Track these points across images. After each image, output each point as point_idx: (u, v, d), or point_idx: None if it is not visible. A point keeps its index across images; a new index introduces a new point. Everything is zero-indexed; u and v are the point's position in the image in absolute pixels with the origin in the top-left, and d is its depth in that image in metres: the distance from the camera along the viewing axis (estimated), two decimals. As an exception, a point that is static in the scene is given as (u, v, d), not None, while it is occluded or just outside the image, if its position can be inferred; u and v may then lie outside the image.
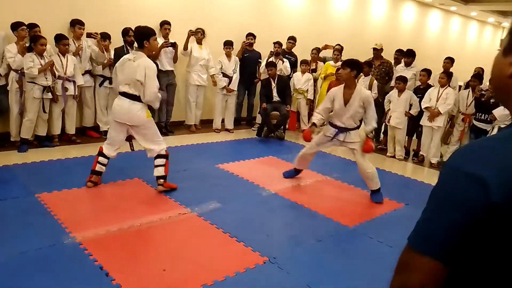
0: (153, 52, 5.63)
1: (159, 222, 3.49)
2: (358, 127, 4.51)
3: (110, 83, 5.85)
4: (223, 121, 7.21)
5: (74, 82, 5.35)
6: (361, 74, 6.71)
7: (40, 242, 2.99)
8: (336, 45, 7.59)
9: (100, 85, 5.86)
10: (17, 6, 5.13)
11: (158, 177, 4.08)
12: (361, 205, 4.36)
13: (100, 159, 4.07)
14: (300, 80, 7.31)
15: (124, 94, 3.88)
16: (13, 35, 4.99)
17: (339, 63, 7.40)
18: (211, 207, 3.88)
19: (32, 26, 5.06)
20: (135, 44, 4.11)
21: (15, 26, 4.95)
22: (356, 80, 4.48)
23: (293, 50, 7.68)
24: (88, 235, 3.15)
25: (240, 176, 4.86)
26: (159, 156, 4.05)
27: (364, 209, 4.24)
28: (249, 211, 3.94)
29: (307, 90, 7.30)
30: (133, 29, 3.89)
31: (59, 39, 5.17)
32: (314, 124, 4.44)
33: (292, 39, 7.56)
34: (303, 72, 7.33)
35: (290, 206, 4.17)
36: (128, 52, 5.59)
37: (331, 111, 4.43)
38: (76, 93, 5.43)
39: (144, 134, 3.99)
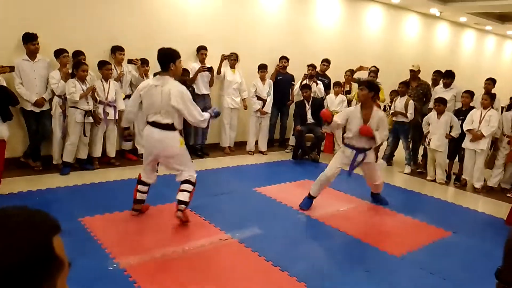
0: (181, 75, 5.76)
1: (201, 248, 3.44)
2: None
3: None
4: (256, 143, 7.20)
5: (115, 107, 5.47)
6: (397, 94, 6.66)
7: (86, 268, 2.98)
8: (372, 66, 7.52)
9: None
10: (61, 34, 5.32)
11: (181, 202, 3.74)
12: (406, 232, 4.19)
13: (140, 187, 3.92)
14: (334, 102, 7.25)
15: (155, 124, 3.60)
16: (56, 62, 5.17)
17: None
18: (252, 233, 3.82)
19: (77, 54, 5.24)
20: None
21: (58, 53, 5.14)
22: (375, 100, 4.60)
23: (326, 72, 7.66)
24: (132, 261, 3.13)
25: (278, 200, 4.78)
26: (187, 181, 3.80)
27: (410, 237, 4.06)
28: (290, 238, 3.85)
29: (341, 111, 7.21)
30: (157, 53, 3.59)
31: (102, 64, 5.32)
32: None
33: (326, 62, 7.54)
34: (336, 93, 7.27)
35: (332, 232, 4.04)
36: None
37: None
38: (117, 117, 5.54)
39: (177, 161, 3.78)
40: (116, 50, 5.67)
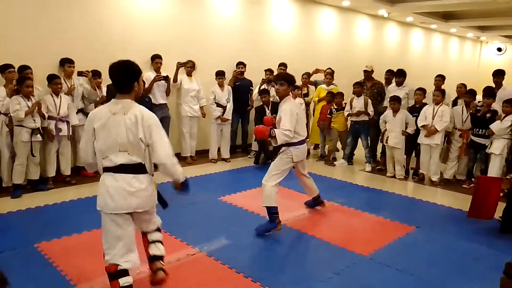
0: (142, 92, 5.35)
1: (168, 266, 3.30)
2: None
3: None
4: (218, 150, 7.11)
5: (67, 122, 5.21)
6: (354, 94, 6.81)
7: (45, 298, 2.80)
8: (327, 68, 7.64)
9: (93, 122, 5.71)
10: (7, 48, 5.01)
11: (157, 257, 2.96)
12: (372, 231, 4.26)
13: (122, 281, 2.62)
14: (294, 105, 7.28)
15: (122, 168, 2.56)
16: (2, 78, 4.87)
17: (332, 86, 7.48)
18: (220, 245, 3.73)
19: (23, 68, 4.94)
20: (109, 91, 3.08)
21: (3, 69, 4.84)
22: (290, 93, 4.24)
23: (284, 75, 7.69)
24: (95, 286, 2.96)
25: (244, 208, 4.73)
26: (157, 229, 3.01)
27: (377, 235, 4.12)
28: (259, 246, 3.80)
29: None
30: (110, 69, 2.61)
31: (51, 79, 5.07)
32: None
33: (283, 65, 7.58)
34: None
35: (300, 237, 4.04)
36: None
37: None
38: (70, 133, 5.28)
39: (151, 211, 2.83)
40: (65, 62, 5.40)
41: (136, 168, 2.59)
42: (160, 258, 2.97)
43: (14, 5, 5.07)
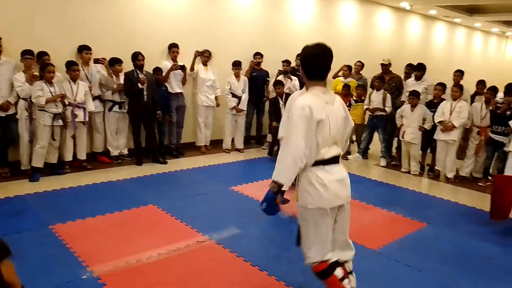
0: (153, 74, 5.18)
1: (178, 251, 3.38)
2: None
3: (120, 108, 5.83)
4: (232, 140, 7.15)
5: (84, 108, 5.31)
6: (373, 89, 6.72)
7: (58, 278, 2.89)
8: (357, 62, 7.71)
9: (110, 110, 5.81)
10: (27, 35, 5.13)
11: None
12: (383, 225, 4.23)
13: (336, 273, 2.52)
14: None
15: (334, 160, 2.40)
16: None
17: (349, 79, 7.41)
18: (230, 234, 3.77)
19: (41, 54, 5.05)
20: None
21: (22, 55, 4.96)
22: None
23: (301, 67, 7.65)
24: (106, 268, 3.05)
25: (255, 199, 4.75)
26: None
27: (387, 230, 4.10)
28: (268, 237, 3.83)
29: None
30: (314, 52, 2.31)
31: (69, 65, 5.16)
32: None
33: (300, 57, 7.53)
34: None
35: (309, 229, 4.04)
36: (138, 76, 5.60)
37: None
38: (87, 119, 5.38)
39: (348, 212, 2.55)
40: (83, 49, 5.49)
41: (339, 159, 2.45)
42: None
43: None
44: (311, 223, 2.43)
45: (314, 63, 2.32)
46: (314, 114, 2.24)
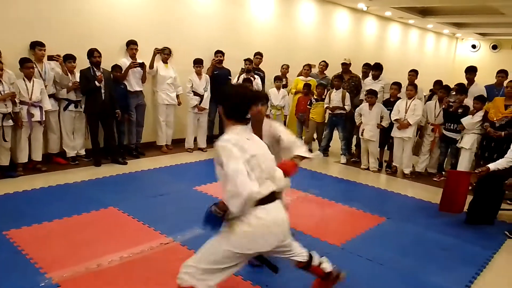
0: (111, 71, 4.99)
1: (141, 254, 3.30)
2: None
3: (76, 106, 5.61)
4: (195, 139, 7.07)
5: (40, 107, 5.06)
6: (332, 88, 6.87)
7: (14, 286, 2.74)
8: (322, 61, 7.83)
9: (65, 109, 5.58)
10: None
11: None
12: (344, 221, 4.34)
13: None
14: (277, 96, 7.20)
15: (271, 197, 2.43)
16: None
17: (309, 78, 7.53)
18: (194, 234, 3.72)
19: (-10, 51, 4.77)
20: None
21: None
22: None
23: (260, 66, 7.69)
24: (65, 274, 2.92)
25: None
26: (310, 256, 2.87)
27: (349, 225, 4.21)
28: (233, 236, 3.81)
29: (284, 106, 7.26)
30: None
31: (23, 62, 4.91)
32: None
33: (259, 55, 7.57)
34: (278, 88, 7.27)
35: (274, 227, 4.07)
36: (95, 74, 5.41)
37: None
38: (43, 118, 5.14)
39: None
40: (36, 45, 5.22)
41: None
42: None
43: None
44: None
45: (235, 103, 2.32)
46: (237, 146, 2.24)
